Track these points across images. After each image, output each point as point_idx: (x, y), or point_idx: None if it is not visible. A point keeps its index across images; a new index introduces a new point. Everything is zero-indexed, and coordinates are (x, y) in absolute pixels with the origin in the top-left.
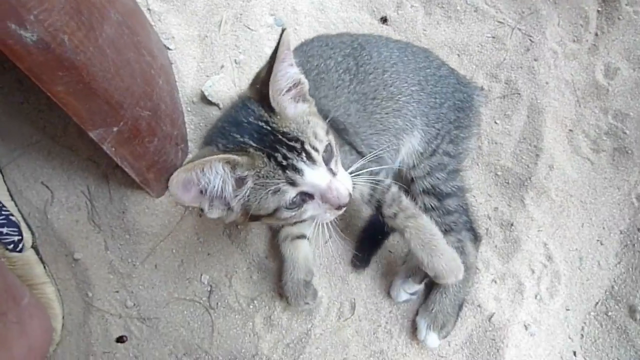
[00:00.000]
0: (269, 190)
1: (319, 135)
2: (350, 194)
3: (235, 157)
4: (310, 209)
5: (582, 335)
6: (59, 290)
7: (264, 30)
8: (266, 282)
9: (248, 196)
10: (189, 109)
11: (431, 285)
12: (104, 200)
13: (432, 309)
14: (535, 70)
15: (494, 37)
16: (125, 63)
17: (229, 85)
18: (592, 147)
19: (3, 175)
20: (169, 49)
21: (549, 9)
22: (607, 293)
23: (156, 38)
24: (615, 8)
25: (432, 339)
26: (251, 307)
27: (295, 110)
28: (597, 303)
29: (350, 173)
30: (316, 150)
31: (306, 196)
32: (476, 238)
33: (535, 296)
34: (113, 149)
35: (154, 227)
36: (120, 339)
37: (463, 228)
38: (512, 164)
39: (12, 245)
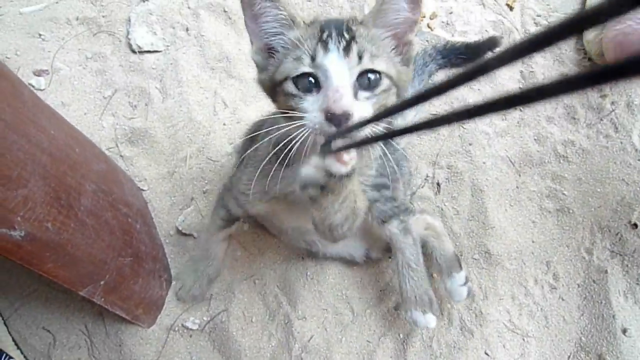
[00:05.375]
0: (294, 55)
1: (377, 58)
2: (350, 114)
3: (295, 15)
4: (309, 100)
5: None
6: None
7: (225, 159)
8: None
9: (282, 55)
10: (167, 241)
11: None
12: (101, 336)
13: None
14: (472, 153)
15: None
16: (104, 224)
17: (199, 216)
18: (537, 212)
19: (7, 327)
20: (142, 190)
21: (476, 97)
22: (577, 345)
23: (130, 185)
24: (535, 80)
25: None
26: None
27: (381, 39)
28: (569, 356)
29: None
30: (359, 56)
31: (315, 86)
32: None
33: None
34: (102, 299)
35: (150, 354)
36: None
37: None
38: (465, 241)
39: None
